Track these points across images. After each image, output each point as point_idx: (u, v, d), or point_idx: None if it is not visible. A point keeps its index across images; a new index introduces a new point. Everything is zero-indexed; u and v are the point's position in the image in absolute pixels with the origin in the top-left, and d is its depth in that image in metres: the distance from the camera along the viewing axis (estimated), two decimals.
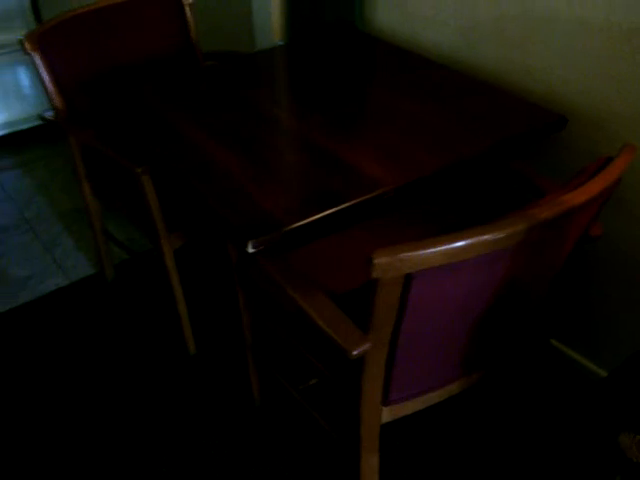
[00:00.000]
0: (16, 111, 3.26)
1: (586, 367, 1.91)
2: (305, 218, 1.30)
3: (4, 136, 3.24)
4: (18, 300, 2.34)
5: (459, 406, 1.86)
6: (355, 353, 1.15)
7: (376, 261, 1.01)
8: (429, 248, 1.02)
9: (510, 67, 1.78)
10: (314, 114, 1.68)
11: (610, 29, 1.52)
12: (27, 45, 1.93)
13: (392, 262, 1.02)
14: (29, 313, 2.27)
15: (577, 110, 1.66)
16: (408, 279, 1.06)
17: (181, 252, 1.95)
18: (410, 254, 1.01)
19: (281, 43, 2.36)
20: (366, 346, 1.16)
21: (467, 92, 1.76)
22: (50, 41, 1.99)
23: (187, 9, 2.24)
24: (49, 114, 2.10)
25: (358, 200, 1.35)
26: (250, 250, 1.23)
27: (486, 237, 1.04)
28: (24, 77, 3.25)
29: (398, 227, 1.74)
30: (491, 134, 1.57)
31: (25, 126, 3.26)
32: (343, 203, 1.34)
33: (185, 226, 1.90)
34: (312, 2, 2.20)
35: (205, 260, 2.45)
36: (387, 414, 1.37)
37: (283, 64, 2.10)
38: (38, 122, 3.24)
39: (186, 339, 2.07)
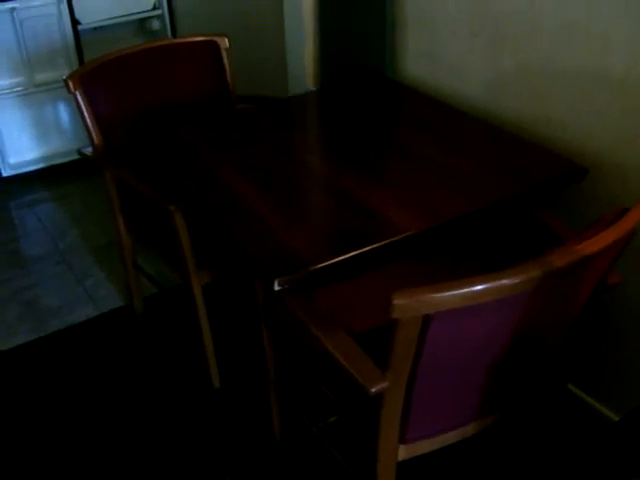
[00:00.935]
0: (55, 145, 3.38)
1: (601, 412, 1.92)
2: (330, 259, 1.35)
3: (43, 169, 3.35)
4: (48, 329, 2.41)
5: (474, 447, 1.88)
6: (373, 390, 1.19)
7: (395, 302, 1.05)
8: (446, 291, 1.06)
9: (532, 118, 1.83)
10: (343, 159, 1.75)
11: (632, 83, 1.57)
12: (70, 84, 2.03)
13: (411, 303, 1.06)
14: (59, 342, 2.34)
15: (598, 161, 1.70)
16: (426, 320, 1.10)
17: (209, 287, 2.00)
18: (428, 296, 1.06)
19: (313, 89, 2.44)
20: (384, 384, 1.19)
21: (492, 141, 1.82)
22: (92, 81, 2.09)
23: (224, 53, 2.33)
24: (88, 150, 2.19)
25: (382, 243, 1.41)
26: (276, 288, 1.28)
27: (502, 282, 1.08)
28: (64, 113, 3.37)
29: (419, 270, 1.79)
30: (514, 183, 1.62)
31: (63, 160, 3.37)
32: (367, 246, 1.39)
33: (214, 263, 1.97)
34: (344, 50, 2.28)
35: (232, 296, 2.51)
36: (403, 452, 1.40)
37: (315, 109, 2.18)
38: (76, 157, 3.34)
39: (211, 373, 2.12)
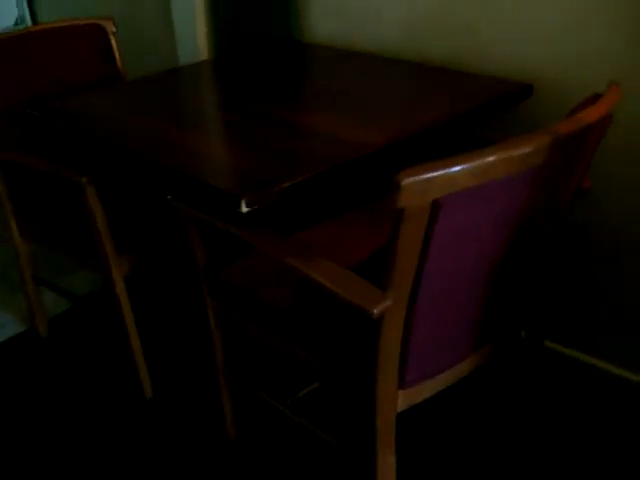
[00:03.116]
0: None
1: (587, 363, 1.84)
2: (295, 179, 1.18)
3: None
4: None
5: (470, 404, 1.73)
6: (376, 312, 1.02)
7: (403, 183, 0.89)
8: (458, 165, 0.92)
9: (462, 51, 1.74)
10: (259, 108, 1.58)
11: None
12: None
13: (420, 183, 0.91)
14: None
15: (542, 79, 1.63)
16: (435, 208, 0.94)
17: (130, 285, 1.75)
18: (439, 173, 0.91)
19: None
20: (387, 303, 1.03)
21: (422, 76, 1.73)
22: None
23: (111, 37, 2.11)
24: None
25: (346, 160, 1.26)
26: (244, 210, 1.08)
27: (515, 151, 0.97)
28: None
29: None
30: (454, 105, 1.53)
31: None
32: (329, 164, 1.24)
33: (135, 246, 1.73)
34: (243, 16, 2.11)
35: (156, 289, 2.26)
36: (403, 399, 1.22)
37: (212, 76, 2.02)
38: None
39: (142, 382, 1.85)
